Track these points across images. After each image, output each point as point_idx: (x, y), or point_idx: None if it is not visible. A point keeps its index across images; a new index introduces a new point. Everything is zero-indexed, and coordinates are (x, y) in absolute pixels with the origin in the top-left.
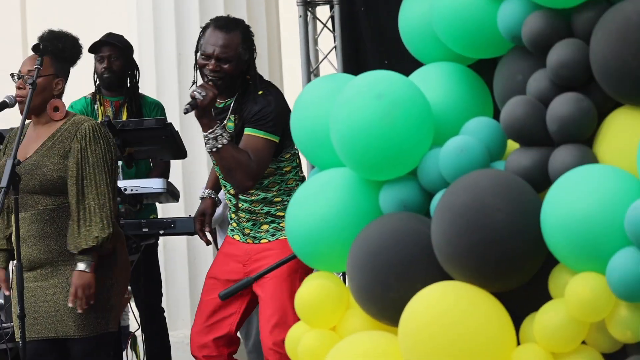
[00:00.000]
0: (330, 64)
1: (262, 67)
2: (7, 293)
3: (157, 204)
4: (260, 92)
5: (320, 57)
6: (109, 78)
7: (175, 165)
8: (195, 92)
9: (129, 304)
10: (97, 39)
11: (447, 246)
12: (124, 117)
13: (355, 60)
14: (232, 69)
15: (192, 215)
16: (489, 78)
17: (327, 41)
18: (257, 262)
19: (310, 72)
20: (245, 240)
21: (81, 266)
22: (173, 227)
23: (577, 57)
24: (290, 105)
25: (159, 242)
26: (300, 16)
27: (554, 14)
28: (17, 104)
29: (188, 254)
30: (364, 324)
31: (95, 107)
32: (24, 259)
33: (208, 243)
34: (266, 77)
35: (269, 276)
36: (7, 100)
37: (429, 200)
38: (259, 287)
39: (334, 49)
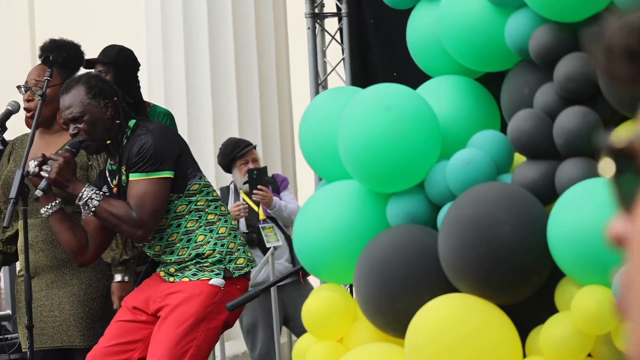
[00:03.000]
0: (338, 75)
1: (270, 79)
2: None
3: None
4: (140, 134)
5: (329, 69)
6: None
7: None
8: (40, 172)
9: None
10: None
11: (454, 258)
12: None
13: (363, 73)
14: (88, 124)
15: None
16: (497, 91)
17: (336, 53)
18: (164, 301)
19: (319, 84)
20: (168, 278)
21: (119, 277)
22: None
23: (584, 70)
24: (298, 116)
25: None
26: (309, 28)
27: (561, 27)
28: (20, 109)
29: None
30: (370, 335)
31: None
32: (31, 265)
33: None
34: (274, 89)
35: (165, 317)
36: (10, 108)
37: (436, 212)
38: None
39: (342, 60)
